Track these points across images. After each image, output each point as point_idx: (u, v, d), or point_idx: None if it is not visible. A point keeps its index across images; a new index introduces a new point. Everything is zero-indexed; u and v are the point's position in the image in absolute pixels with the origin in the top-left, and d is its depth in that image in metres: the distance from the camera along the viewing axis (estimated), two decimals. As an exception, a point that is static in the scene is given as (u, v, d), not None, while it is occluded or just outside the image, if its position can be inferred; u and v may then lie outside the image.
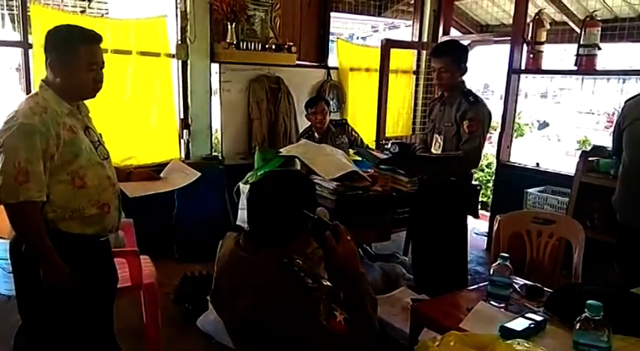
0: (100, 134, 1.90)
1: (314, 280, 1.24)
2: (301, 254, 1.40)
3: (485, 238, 4.58)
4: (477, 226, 4.80)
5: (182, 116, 3.93)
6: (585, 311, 1.17)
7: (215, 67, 3.94)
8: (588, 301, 1.17)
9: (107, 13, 5.07)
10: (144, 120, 3.74)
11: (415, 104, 5.22)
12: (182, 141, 3.96)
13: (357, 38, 7.46)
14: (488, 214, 4.67)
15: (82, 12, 3.88)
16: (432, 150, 2.92)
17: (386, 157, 3.22)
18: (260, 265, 1.27)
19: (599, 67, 3.71)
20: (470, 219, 3.11)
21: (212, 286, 1.42)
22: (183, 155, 3.97)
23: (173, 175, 2.22)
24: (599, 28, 3.63)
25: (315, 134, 3.72)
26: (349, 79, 4.67)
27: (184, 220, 3.77)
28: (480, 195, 5.14)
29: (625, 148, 2.41)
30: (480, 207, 5.07)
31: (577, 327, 1.18)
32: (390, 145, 3.84)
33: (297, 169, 3.04)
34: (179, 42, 3.81)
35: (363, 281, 1.35)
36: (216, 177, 3.83)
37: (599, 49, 3.62)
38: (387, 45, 4.51)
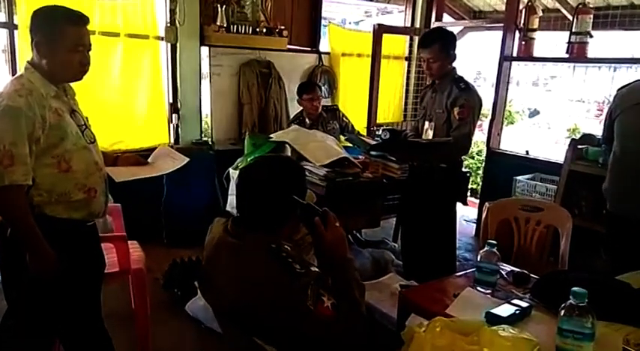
0: (87, 118, 1.87)
1: (302, 265, 1.24)
2: (290, 240, 1.40)
3: (475, 224, 4.61)
4: (467, 213, 4.83)
5: (171, 100, 3.89)
6: (570, 298, 1.18)
7: (205, 50, 3.89)
8: (573, 288, 1.18)
9: (95, -6, 4.96)
10: (132, 104, 3.69)
11: (407, 90, 5.20)
12: (171, 125, 3.92)
13: (350, 23, 7.41)
14: (477, 201, 4.70)
15: (69, -8, 3.80)
16: (423, 137, 2.92)
17: (376, 143, 3.21)
18: (248, 251, 1.26)
19: (590, 54, 3.71)
20: (459, 206, 3.13)
21: (200, 271, 1.42)
22: (172, 140, 3.94)
23: (161, 161, 2.19)
24: (592, 16, 3.62)
25: (307, 120, 3.70)
26: (341, 65, 4.64)
27: (173, 206, 3.75)
28: (470, 182, 5.18)
29: (616, 137, 2.42)
30: (469, 194, 5.11)
31: (562, 313, 1.19)
32: (380, 131, 3.82)
33: (287, 155, 3.02)
34: (168, 24, 3.74)
35: (351, 267, 1.36)
36: (205, 162, 3.80)
37: (591, 36, 3.63)
38: (380, 30, 4.47)
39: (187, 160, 2.21)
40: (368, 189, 3.11)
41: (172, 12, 3.73)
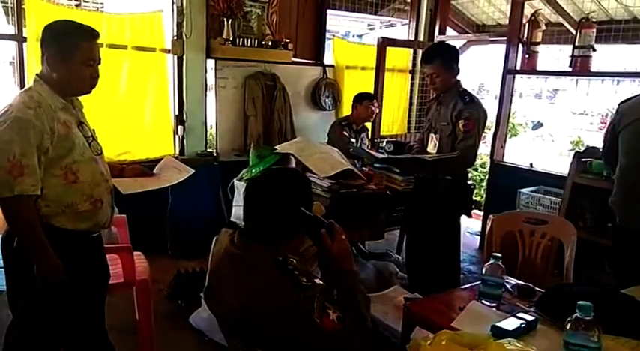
0: (94, 130, 1.89)
1: (308, 278, 1.25)
2: (295, 253, 1.40)
3: (479, 237, 4.60)
4: (471, 226, 4.82)
5: (177, 112, 3.92)
6: (576, 311, 1.18)
7: (211, 63, 3.93)
8: (579, 302, 1.17)
9: (102, 8, 5.04)
10: (138, 115, 3.72)
11: (411, 103, 5.22)
12: (177, 137, 3.94)
13: (354, 36, 7.46)
14: (481, 213, 4.68)
15: (77, 6, 3.85)
16: (428, 149, 2.94)
17: (382, 156, 3.23)
18: (254, 263, 1.27)
19: (593, 68, 3.73)
20: (463, 218, 3.13)
21: (206, 282, 1.42)
22: (177, 151, 3.96)
23: (166, 172, 2.21)
24: (594, 30, 3.64)
25: (353, 126, 3.95)
26: (345, 77, 4.67)
27: (178, 217, 3.76)
28: (474, 194, 5.18)
29: (621, 150, 2.41)
30: (473, 206, 5.10)
31: (568, 327, 1.18)
32: (385, 144, 3.86)
33: (294, 168, 3.04)
34: (175, 37, 3.78)
35: (357, 280, 1.36)
36: (210, 173, 3.82)
37: (594, 50, 3.64)
38: (384, 43, 4.51)
39: (192, 171, 2.22)
40: (372, 201, 3.10)
41: (179, 25, 3.77)
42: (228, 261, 1.33)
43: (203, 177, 3.60)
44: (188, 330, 2.73)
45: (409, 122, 5.21)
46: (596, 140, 3.37)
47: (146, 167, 2.24)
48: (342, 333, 1.22)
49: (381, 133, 4.70)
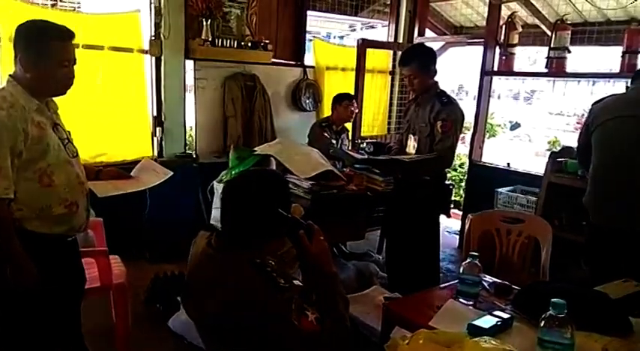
0: (69, 132, 1.86)
1: (286, 280, 1.25)
2: (274, 255, 1.40)
3: (458, 236, 4.65)
4: (450, 225, 4.87)
5: (155, 113, 3.87)
6: (550, 309, 1.20)
7: (190, 63, 3.89)
8: (552, 300, 1.19)
9: (79, 7, 4.94)
10: (115, 117, 3.66)
11: (391, 104, 5.25)
12: (155, 138, 3.89)
13: (335, 37, 7.48)
14: (460, 212, 4.74)
15: (52, 5, 3.77)
16: (407, 150, 2.96)
17: (361, 157, 3.24)
18: (232, 265, 1.26)
19: (569, 69, 3.81)
20: (442, 218, 3.17)
21: (183, 285, 1.41)
22: (155, 153, 3.91)
23: (144, 174, 2.18)
24: (569, 32, 3.72)
25: (334, 126, 3.95)
26: (325, 78, 4.68)
27: (156, 219, 3.71)
28: (453, 194, 5.23)
29: (594, 150, 2.46)
30: (452, 206, 5.16)
31: (542, 324, 1.20)
32: (365, 145, 3.88)
33: (272, 169, 3.03)
34: (153, 38, 3.74)
35: (336, 281, 1.36)
36: (189, 175, 3.78)
37: (569, 52, 3.72)
38: (363, 45, 4.53)
39: (171, 173, 2.20)
40: (352, 201, 3.12)
41: (157, 25, 3.73)
42: (206, 264, 1.32)
43: (182, 179, 3.53)
44: (167, 334, 2.69)
45: (389, 123, 5.24)
46: (572, 140, 3.43)
47: (123, 169, 2.20)
48: (321, 334, 1.22)
49: (362, 134, 4.73)
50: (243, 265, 1.24)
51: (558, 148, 4.02)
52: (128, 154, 3.70)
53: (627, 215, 2.27)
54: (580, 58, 4.08)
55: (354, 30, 7.51)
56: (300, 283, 1.44)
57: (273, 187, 1.37)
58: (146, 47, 3.73)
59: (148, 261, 3.64)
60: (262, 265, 1.24)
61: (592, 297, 1.57)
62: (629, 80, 2.55)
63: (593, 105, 2.54)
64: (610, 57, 3.71)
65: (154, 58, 3.79)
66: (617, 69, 3.48)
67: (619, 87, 4.40)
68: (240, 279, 1.23)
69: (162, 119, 3.87)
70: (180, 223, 3.61)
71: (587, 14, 4.37)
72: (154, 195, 3.63)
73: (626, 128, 2.32)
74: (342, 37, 7.72)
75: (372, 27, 6.32)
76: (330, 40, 5.80)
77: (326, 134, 3.83)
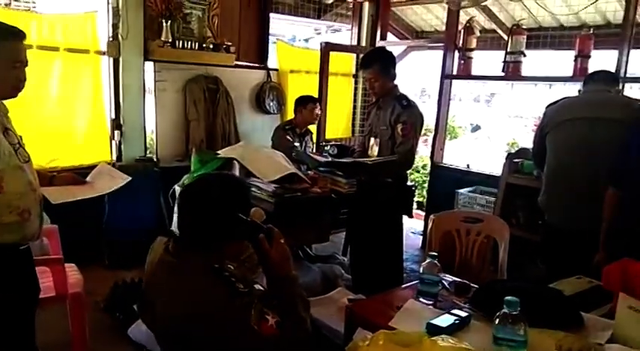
0: (21, 136, 1.79)
1: (245, 284, 1.23)
2: (235, 260, 1.38)
3: (421, 236, 4.72)
4: (414, 226, 4.94)
5: (113, 116, 3.78)
6: (504, 307, 1.23)
7: (149, 65, 3.82)
8: (506, 298, 1.22)
9: (34, 7, 4.77)
10: (71, 120, 3.56)
11: (355, 107, 5.30)
12: (113, 142, 3.79)
13: (300, 40, 7.48)
14: (423, 213, 4.82)
15: (6, 5, 3.63)
16: (369, 152, 2.99)
17: (324, 160, 3.26)
18: (189, 271, 1.24)
19: (524, 73, 3.93)
20: (407, 218, 3.21)
21: (140, 294, 1.37)
22: (114, 157, 3.81)
23: (100, 180, 2.12)
24: (525, 36, 3.85)
25: (297, 129, 3.92)
26: (289, 81, 4.68)
27: (116, 225, 3.62)
28: (417, 195, 5.32)
29: (549, 151, 2.54)
30: (416, 207, 5.24)
31: (496, 322, 1.23)
32: (329, 147, 3.90)
33: (231, 172, 3.00)
34: (110, 39, 3.65)
35: (296, 284, 1.36)
36: (150, 180, 3.70)
37: (525, 56, 3.84)
38: (327, 48, 4.55)
39: (129, 179, 2.15)
40: (317, 204, 3.13)
41: (115, 26, 3.65)
42: (163, 270, 1.29)
43: (142, 183, 3.48)
44: (127, 343, 2.62)
45: (353, 126, 5.29)
46: (529, 142, 3.54)
47: (80, 175, 2.14)
48: (281, 338, 1.21)
49: (326, 137, 4.74)
50: (202, 271, 1.22)
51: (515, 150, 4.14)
52: (85, 158, 3.59)
53: (579, 216, 2.36)
54: (535, 62, 4.20)
55: (320, 33, 7.53)
56: (262, 287, 1.44)
57: (232, 191, 1.35)
58: (104, 48, 3.65)
59: (107, 268, 3.55)
60: (221, 270, 1.22)
61: (545, 294, 1.61)
62: (582, 83, 2.65)
63: (547, 108, 2.63)
64: (563, 61, 3.84)
65: (111, 59, 3.70)
66: (570, 73, 3.62)
67: (573, 90, 4.59)
68: (199, 285, 1.21)
69: (121, 122, 3.77)
70: (141, 229, 3.52)
71: (541, 19, 4.53)
72: (113, 200, 3.54)
73: (577, 131, 2.42)
74: (307, 40, 7.73)
75: (338, 31, 6.35)
76: (295, 43, 5.80)
77: (289, 137, 3.83)
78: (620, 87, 3.22)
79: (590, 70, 3.51)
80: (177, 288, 1.24)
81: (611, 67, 3.41)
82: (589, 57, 3.51)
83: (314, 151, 4.12)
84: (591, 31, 3.54)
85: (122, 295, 2.85)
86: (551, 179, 2.55)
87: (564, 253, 2.43)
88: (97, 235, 3.60)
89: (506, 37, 4.12)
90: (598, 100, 2.46)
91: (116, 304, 2.83)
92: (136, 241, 3.29)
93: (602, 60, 3.62)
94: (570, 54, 3.62)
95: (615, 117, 2.35)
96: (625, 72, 3.34)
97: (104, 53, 3.65)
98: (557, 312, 1.52)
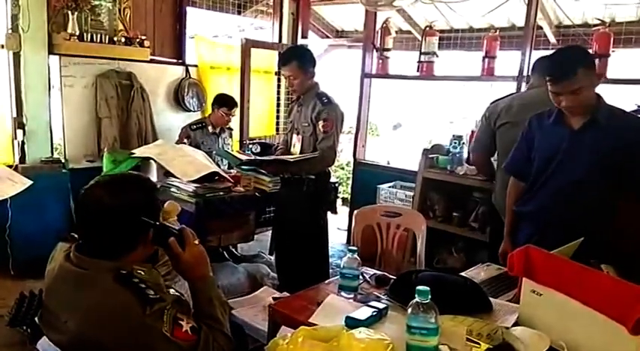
0: None
1: (156, 290, 1.18)
2: (144, 265, 1.31)
3: (346, 232, 4.80)
4: (339, 222, 5.01)
5: (15, 114, 3.49)
6: (416, 296, 1.27)
7: (55, 60, 3.56)
8: (417, 287, 1.27)
9: None
10: (-35, 119, 3.25)
11: (278, 104, 5.27)
12: (15, 142, 3.51)
13: (223, 36, 7.33)
14: (348, 209, 4.90)
15: None
16: (292, 150, 2.99)
17: (246, 157, 3.21)
18: (93, 280, 1.16)
19: (437, 72, 4.11)
20: (332, 215, 3.24)
21: (41, 307, 1.27)
22: (17, 159, 3.52)
23: (-3, 184, 1.95)
24: (437, 37, 4.02)
25: (209, 127, 3.80)
26: (210, 78, 4.56)
27: (21, 232, 3.34)
28: (342, 191, 5.41)
29: (499, 149, 2.56)
30: (341, 203, 5.33)
31: (409, 311, 1.27)
32: (252, 145, 3.85)
33: (133, 172, 2.87)
34: (10, 31, 3.38)
35: (212, 285, 1.33)
36: (58, 182, 3.46)
37: (437, 56, 4.02)
38: (247, 44, 4.49)
39: (30, 183, 2.00)
40: (240, 203, 3.08)
41: (14, 17, 3.37)
42: (64, 280, 1.20)
43: (49, 186, 3.26)
44: (36, 358, 2.44)
45: (277, 123, 5.26)
46: (445, 138, 3.70)
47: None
48: (196, 343, 1.18)
49: (249, 135, 4.68)
50: (106, 279, 1.15)
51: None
52: (-18, 161, 3.29)
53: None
54: (448, 62, 4.40)
55: (243, 30, 7.43)
56: (177, 292, 1.38)
57: (133, 193, 1.25)
58: (2, 42, 3.37)
59: (12, 278, 3.30)
60: (128, 276, 1.16)
61: (456, 282, 1.69)
62: (531, 71, 2.67)
63: (493, 103, 2.63)
64: (474, 61, 4.05)
65: (11, 53, 3.42)
66: (479, 72, 3.83)
67: (484, 88, 4.87)
68: (103, 294, 1.14)
69: (24, 121, 3.49)
70: (49, 234, 3.24)
71: (453, 22, 4.76)
72: (18, 204, 3.26)
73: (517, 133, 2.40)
74: (230, 37, 7.59)
75: (261, 28, 6.29)
76: (219, 41, 5.65)
77: (186, 141, 3.67)
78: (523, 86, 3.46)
79: (497, 70, 3.76)
80: (81, 299, 1.16)
81: (515, 67, 3.66)
82: (495, 57, 3.73)
83: (238, 149, 4.05)
84: (497, 33, 3.76)
85: (30, 307, 2.63)
86: (501, 179, 2.49)
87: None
88: (1, 242, 3.32)
89: (420, 38, 4.28)
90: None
91: (23, 317, 2.61)
92: (44, 247, 3.04)
93: (507, 60, 3.87)
94: (479, 54, 3.83)
95: None
96: (528, 70, 3.54)
97: (2, 47, 3.37)
98: (467, 299, 1.60)
